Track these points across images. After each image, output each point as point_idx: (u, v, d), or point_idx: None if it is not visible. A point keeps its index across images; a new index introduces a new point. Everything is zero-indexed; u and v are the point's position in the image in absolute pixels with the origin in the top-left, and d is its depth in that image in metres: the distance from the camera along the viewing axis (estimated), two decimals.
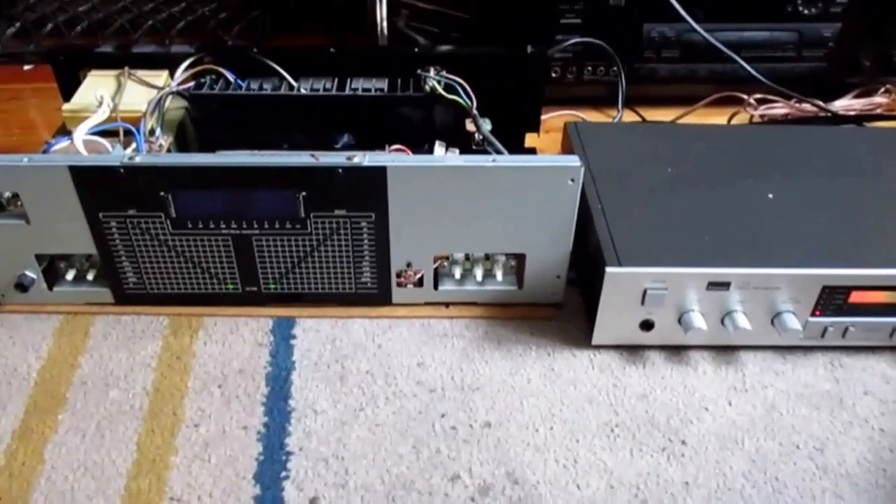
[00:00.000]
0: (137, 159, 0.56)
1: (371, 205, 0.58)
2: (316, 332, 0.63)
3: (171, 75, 0.71)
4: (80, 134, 0.62)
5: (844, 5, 0.90)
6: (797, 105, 0.92)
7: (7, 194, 0.59)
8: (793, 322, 0.59)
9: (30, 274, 0.62)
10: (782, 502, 0.51)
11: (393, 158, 0.57)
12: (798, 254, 0.59)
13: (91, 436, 0.55)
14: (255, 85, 0.71)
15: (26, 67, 1.02)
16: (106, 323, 0.64)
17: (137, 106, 0.67)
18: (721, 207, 0.64)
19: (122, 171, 0.56)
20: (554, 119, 0.90)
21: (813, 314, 0.60)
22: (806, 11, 0.90)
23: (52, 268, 0.64)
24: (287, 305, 0.65)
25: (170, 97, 0.69)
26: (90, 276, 0.64)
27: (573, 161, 0.57)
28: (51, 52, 0.74)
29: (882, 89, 0.96)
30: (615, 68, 0.92)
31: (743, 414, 0.58)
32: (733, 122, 0.91)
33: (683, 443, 0.55)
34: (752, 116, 0.92)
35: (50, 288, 0.64)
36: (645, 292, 0.58)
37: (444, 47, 0.75)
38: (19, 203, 0.58)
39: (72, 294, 0.64)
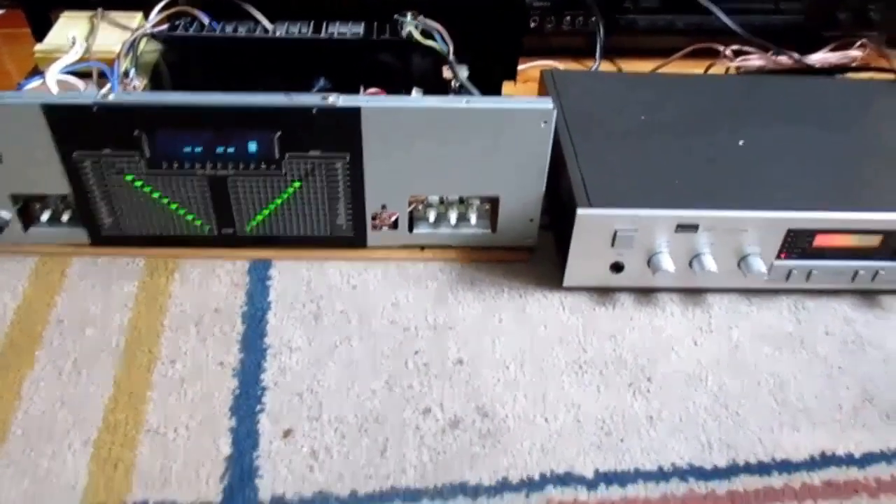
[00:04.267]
0: (111, 97, 0.56)
1: (346, 146, 0.59)
2: (292, 273, 0.64)
3: (146, 17, 0.71)
4: (53, 73, 0.62)
5: None
6: (773, 58, 0.93)
7: None
8: (758, 265, 0.61)
9: (4, 215, 0.62)
10: (742, 434, 0.53)
11: (367, 99, 0.58)
12: (765, 198, 0.60)
13: (68, 372, 0.55)
14: (230, 28, 0.71)
15: None
16: (82, 264, 0.64)
17: (111, 47, 0.67)
18: (692, 153, 0.65)
19: (94, 109, 0.56)
20: (532, 69, 0.90)
21: (778, 257, 0.61)
22: None
23: (27, 209, 0.64)
24: (263, 248, 0.65)
25: (144, 39, 0.69)
26: (65, 218, 0.64)
27: (546, 103, 0.58)
28: None
29: (858, 43, 0.97)
30: (594, 18, 0.92)
31: (708, 353, 0.59)
32: (709, 73, 0.92)
33: (649, 380, 0.57)
34: (728, 68, 0.92)
35: (25, 229, 0.64)
36: (615, 234, 0.59)
37: None
38: None
39: (47, 235, 0.64)
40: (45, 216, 0.64)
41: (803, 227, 0.60)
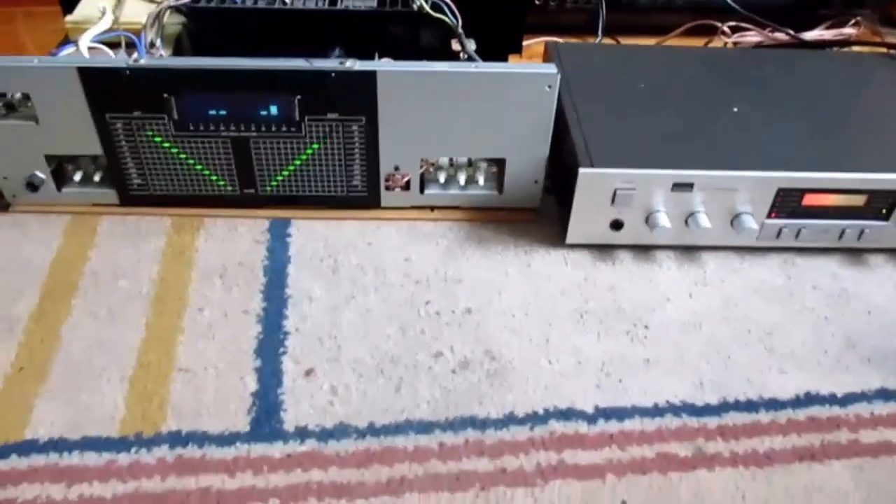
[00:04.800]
0: (142, 62, 0.60)
1: (362, 109, 0.62)
2: (310, 231, 0.68)
3: None
4: (86, 41, 0.65)
5: None
6: (770, 34, 0.96)
7: (18, 95, 0.63)
8: (750, 223, 0.64)
9: (40, 174, 0.66)
10: (732, 376, 0.57)
11: (382, 63, 0.61)
12: (756, 159, 0.64)
13: (103, 318, 0.59)
14: (249, 1, 0.74)
15: None
16: (112, 222, 0.68)
17: (138, 18, 0.70)
18: (688, 119, 0.69)
19: (127, 72, 0.60)
20: (536, 45, 0.94)
21: (769, 216, 0.65)
22: None
23: (60, 169, 0.68)
24: (282, 207, 0.69)
25: (168, 11, 0.72)
26: (97, 178, 0.68)
27: (550, 68, 0.61)
28: None
29: (852, 21, 1.00)
30: None
31: (702, 304, 0.63)
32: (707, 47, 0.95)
33: (646, 327, 0.61)
34: (725, 44, 0.96)
35: (58, 189, 0.68)
36: (615, 192, 0.63)
37: None
38: (29, 104, 0.62)
39: (79, 195, 0.68)
40: (77, 176, 0.67)
41: (792, 187, 0.63)
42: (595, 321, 0.61)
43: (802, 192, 0.63)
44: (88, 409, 0.52)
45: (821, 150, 0.66)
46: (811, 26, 1.00)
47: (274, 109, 0.62)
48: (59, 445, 0.50)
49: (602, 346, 0.59)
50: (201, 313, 0.60)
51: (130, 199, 0.68)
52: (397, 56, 0.69)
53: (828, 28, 1.00)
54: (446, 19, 0.73)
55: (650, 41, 0.97)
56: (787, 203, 0.64)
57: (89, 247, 0.66)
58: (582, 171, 0.62)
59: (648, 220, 0.65)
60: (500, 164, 0.68)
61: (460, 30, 0.73)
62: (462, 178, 0.68)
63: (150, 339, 0.58)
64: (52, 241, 0.66)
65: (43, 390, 0.54)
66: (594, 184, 0.62)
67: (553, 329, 0.60)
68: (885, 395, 0.56)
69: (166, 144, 0.64)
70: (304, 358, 0.57)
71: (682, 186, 0.63)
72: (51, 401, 0.53)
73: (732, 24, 0.95)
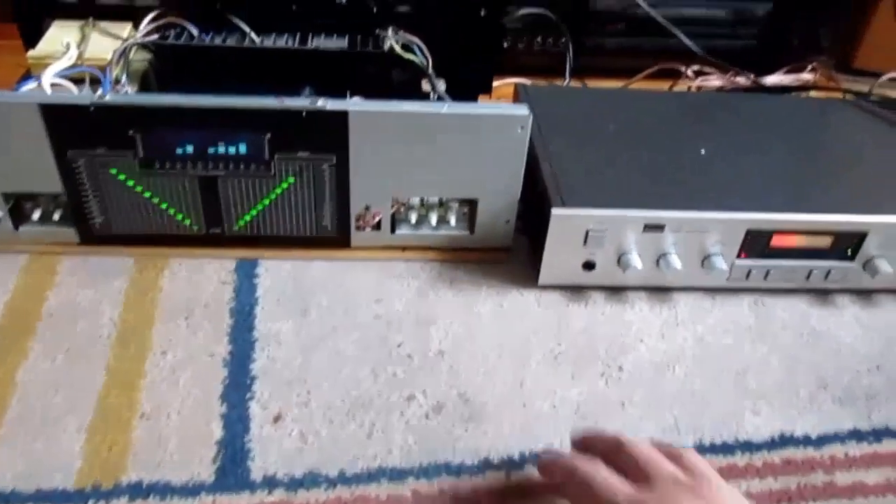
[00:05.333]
0: (108, 98, 0.58)
1: (333, 148, 0.62)
2: (278, 271, 0.66)
3: (136, 28, 0.73)
4: (49, 76, 0.64)
5: None
6: (732, 78, 0.98)
7: None
8: (720, 263, 0.65)
9: None
10: (706, 417, 0.57)
11: (354, 103, 0.61)
12: (726, 200, 0.64)
13: (61, 362, 0.57)
14: (218, 39, 0.74)
15: None
16: (72, 262, 0.66)
17: (102, 55, 0.69)
18: (658, 160, 0.70)
19: (91, 108, 0.58)
20: (504, 87, 0.95)
21: (738, 256, 0.65)
22: None
23: (18, 207, 0.65)
24: (249, 247, 0.68)
25: (134, 48, 0.71)
26: (56, 217, 0.65)
27: (522, 109, 0.61)
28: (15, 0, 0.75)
29: (809, 67, 1.03)
30: (563, 40, 0.97)
31: (674, 345, 0.63)
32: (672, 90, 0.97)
33: (620, 369, 0.60)
34: (689, 87, 0.98)
35: (15, 227, 0.65)
36: (587, 233, 0.63)
37: (402, 8, 0.78)
38: None
39: (38, 233, 0.66)
40: (35, 215, 0.65)
41: (761, 228, 0.64)
42: (569, 362, 0.60)
43: (770, 233, 0.64)
44: (43, 459, 0.50)
45: (787, 192, 0.67)
46: (770, 70, 1.02)
47: (243, 147, 0.61)
48: (10, 499, 0.47)
49: (576, 388, 0.58)
50: (165, 357, 0.58)
51: (92, 237, 0.66)
52: (368, 94, 0.68)
53: (787, 73, 1.03)
54: (416, 60, 0.73)
55: (616, 83, 0.98)
56: (756, 244, 0.65)
57: (48, 287, 0.63)
58: (555, 211, 0.62)
59: (620, 260, 0.65)
60: (471, 204, 0.67)
61: (430, 70, 0.73)
62: (433, 218, 0.68)
63: (111, 384, 0.56)
64: (8, 281, 0.64)
65: None
66: (566, 224, 0.62)
67: (527, 371, 0.59)
68: (857, 435, 0.56)
69: (131, 182, 0.62)
70: (272, 403, 0.55)
71: (654, 227, 0.63)
72: (3, 450, 0.50)
73: (696, 68, 0.97)
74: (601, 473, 0.44)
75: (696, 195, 0.65)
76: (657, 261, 0.65)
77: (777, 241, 0.65)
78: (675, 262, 0.64)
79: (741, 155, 0.72)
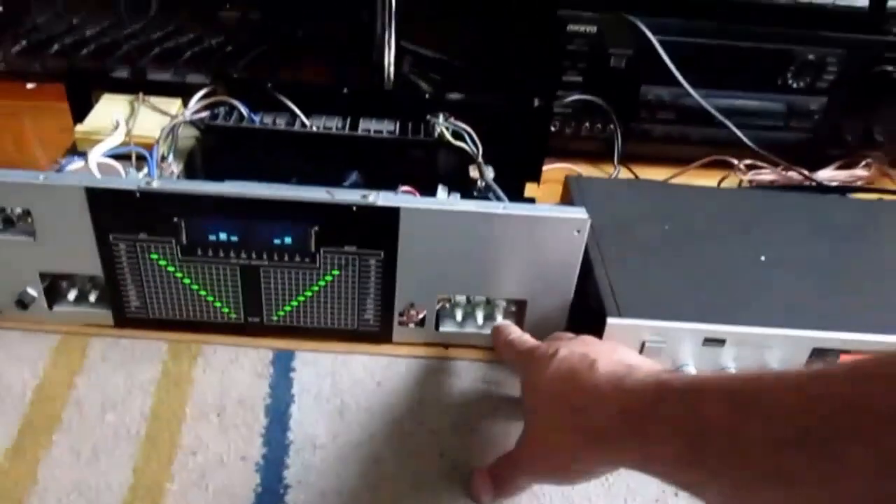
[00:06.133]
0: (154, 184, 0.57)
1: (381, 243, 0.60)
2: (315, 366, 0.64)
3: (184, 103, 0.72)
4: (96, 156, 0.63)
5: (831, 82, 0.94)
6: (784, 172, 0.96)
7: (18, 210, 0.59)
8: None
9: (31, 291, 0.62)
10: None
11: (406, 199, 0.59)
12: (789, 315, 0.61)
13: (86, 458, 0.54)
14: (267, 119, 0.72)
15: (29, 86, 1.02)
16: (104, 345, 0.63)
17: (150, 132, 0.68)
18: (716, 266, 0.67)
19: (138, 195, 0.57)
20: (551, 171, 0.92)
21: None
22: (795, 85, 0.95)
23: (53, 286, 0.64)
24: (287, 338, 0.65)
25: (183, 125, 0.70)
26: (92, 298, 0.64)
27: (580, 213, 0.59)
28: (66, 71, 0.74)
29: (863, 163, 1.00)
30: (612, 126, 0.95)
31: None
32: (723, 185, 0.94)
33: (676, 495, 0.56)
34: (741, 181, 0.95)
35: (50, 307, 0.63)
36: (643, 344, 0.59)
37: (453, 95, 0.77)
38: (29, 220, 0.58)
39: (72, 314, 0.64)
40: (71, 295, 0.63)
41: (828, 347, 0.60)
42: (622, 484, 0.57)
43: (839, 352, 0.61)
44: None
45: (856, 307, 0.63)
46: (822, 165, 0.99)
47: (288, 239, 0.59)
48: None
49: None
50: (195, 457, 0.55)
51: (126, 321, 0.64)
52: (413, 180, 0.66)
53: (839, 168, 1.00)
54: (466, 148, 0.71)
55: (664, 171, 0.96)
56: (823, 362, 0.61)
57: (77, 372, 0.61)
58: (610, 321, 0.59)
59: None
60: (520, 305, 0.64)
61: (480, 158, 0.71)
62: (480, 317, 0.65)
63: (137, 487, 0.53)
64: (38, 363, 0.61)
65: None
66: (622, 334, 0.59)
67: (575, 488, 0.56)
68: None
69: (171, 268, 0.60)
70: None
71: (714, 341, 0.60)
72: None
73: (748, 161, 0.95)
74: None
75: (758, 307, 0.62)
76: None
77: (846, 360, 0.61)
78: None
79: (802, 263, 0.68)
